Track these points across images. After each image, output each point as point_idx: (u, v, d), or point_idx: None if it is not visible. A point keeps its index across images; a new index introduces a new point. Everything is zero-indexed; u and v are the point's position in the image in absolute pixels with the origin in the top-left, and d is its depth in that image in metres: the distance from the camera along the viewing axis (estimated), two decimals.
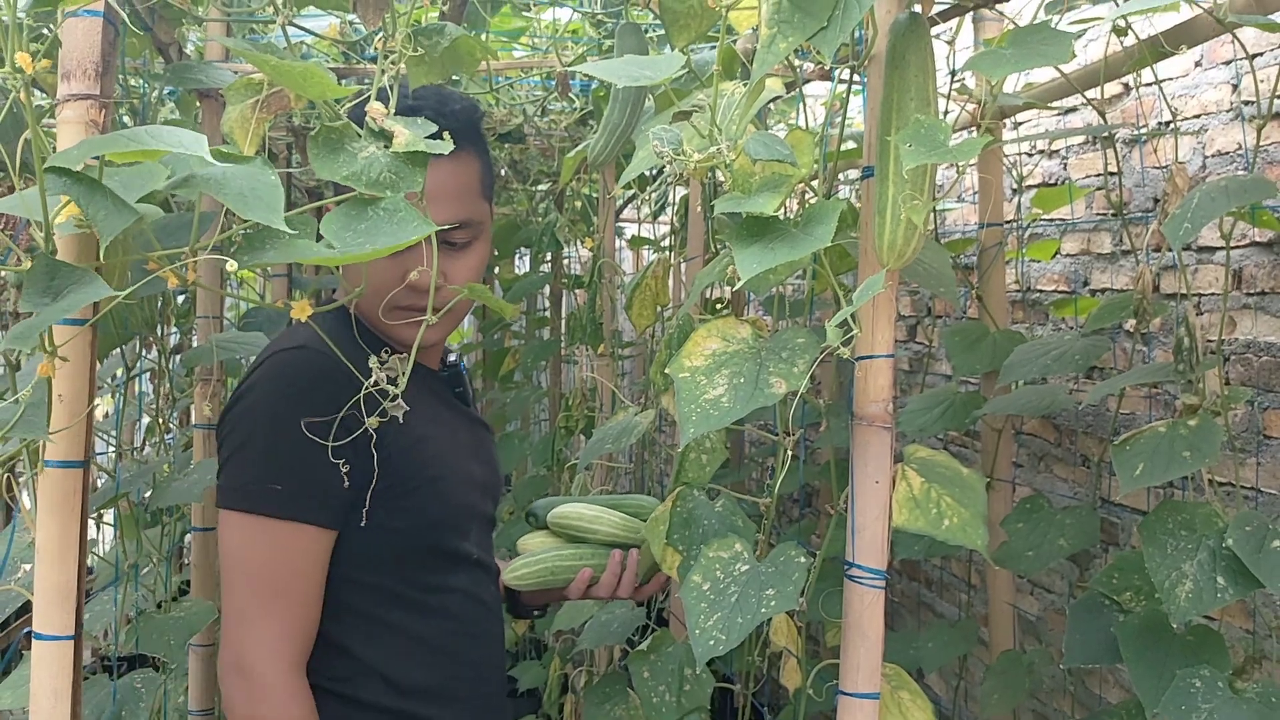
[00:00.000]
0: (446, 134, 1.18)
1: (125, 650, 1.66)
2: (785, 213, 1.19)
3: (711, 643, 1.23)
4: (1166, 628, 1.47)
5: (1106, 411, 2.19)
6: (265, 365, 1.34)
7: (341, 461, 1.25)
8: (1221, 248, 1.92)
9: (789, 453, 1.42)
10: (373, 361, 1.21)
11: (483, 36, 1.93)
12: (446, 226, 1.35)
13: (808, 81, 2.10)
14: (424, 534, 1.40)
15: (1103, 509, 2.23)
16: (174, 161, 1.08)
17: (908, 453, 1.31)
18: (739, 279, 1.12)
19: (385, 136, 1.15)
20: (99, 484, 1.82)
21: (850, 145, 2.01)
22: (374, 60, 1.80)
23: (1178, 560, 1.42)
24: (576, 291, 3.44)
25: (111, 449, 1.93)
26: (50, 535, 1.11)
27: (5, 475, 1.06)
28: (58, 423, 1.09)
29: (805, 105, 1.72)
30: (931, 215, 2.28)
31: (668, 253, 2.45)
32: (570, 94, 2.21)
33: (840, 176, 2.57)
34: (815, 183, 1.24)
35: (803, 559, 1.28)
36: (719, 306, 2.81)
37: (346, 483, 1.28)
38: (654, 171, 2.98)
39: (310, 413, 1.26)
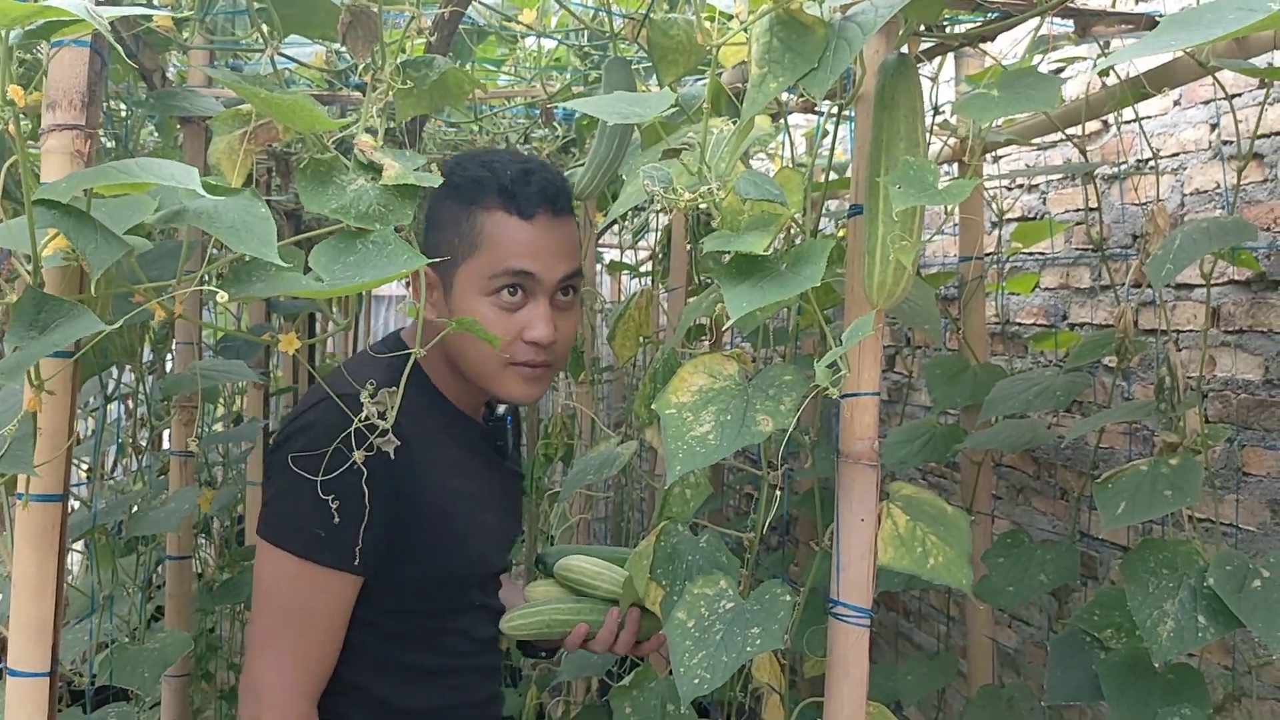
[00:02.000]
0: (556, 195, 1.38)
1: (99, 680, 1.63)
2: (773, 247, 1.19)
3: (696, 681, 1.22)
4: (1148, 666, 1.47)
5: (1086, 445, 2.20)
6: (325, 408, 1.32)
7: (380, 515, 1.30)
8: (1200, 285, 1.93)
9: (772, 487, 1.42)
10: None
11: (468, 66, 1.93)
12: (567, 274, 1.42)
13: (791, 113, 2.11)
14: (437, 585, 1.44)
15: (1082, 543, 2.23)
16: (162, 193, 1.08)
17: (893, 490, 1.31)
18: (728, 317, 1.11)
19: (374, 169, 1.15)
20: (72, 511, 1.79)
21: (834, 176, 2.02)
22: (359, 88, 1.79)
23: (1159, 599, 1.42)
24: None
25: (86, 475, 1.91)
26: (27, 570, 1.10)
27: None
28: (40, 456, 1.07)
29: (790, 136, 1.73)
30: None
31: (651, 283, 2.44)
32: (554, 122, 2.22)
33: (824, 211, 2.58)
34: (802, 219, 1.23)
35: (788, 597, 1.28)
36: (701, 335, 2.81)
37: (383, 535, 1.33)
38: (646, 210, 2.99)
39: (360, 473, 1.25)
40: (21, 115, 0.89)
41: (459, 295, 1.39)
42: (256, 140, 1.15)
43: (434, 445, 1.41)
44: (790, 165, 1.49)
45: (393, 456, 1.24)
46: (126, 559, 1.83)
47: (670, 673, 1.30)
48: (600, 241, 4.09)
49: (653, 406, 1.27)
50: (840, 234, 2.03)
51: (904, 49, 1.25)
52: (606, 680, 2.53)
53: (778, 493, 1.41)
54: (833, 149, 1.39)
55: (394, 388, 1.21)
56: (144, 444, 1.81)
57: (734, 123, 1.23)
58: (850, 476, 1.25)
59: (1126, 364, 1.57)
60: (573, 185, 1.51)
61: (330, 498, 1.24)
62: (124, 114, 1.64)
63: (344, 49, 1.33)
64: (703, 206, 1.16)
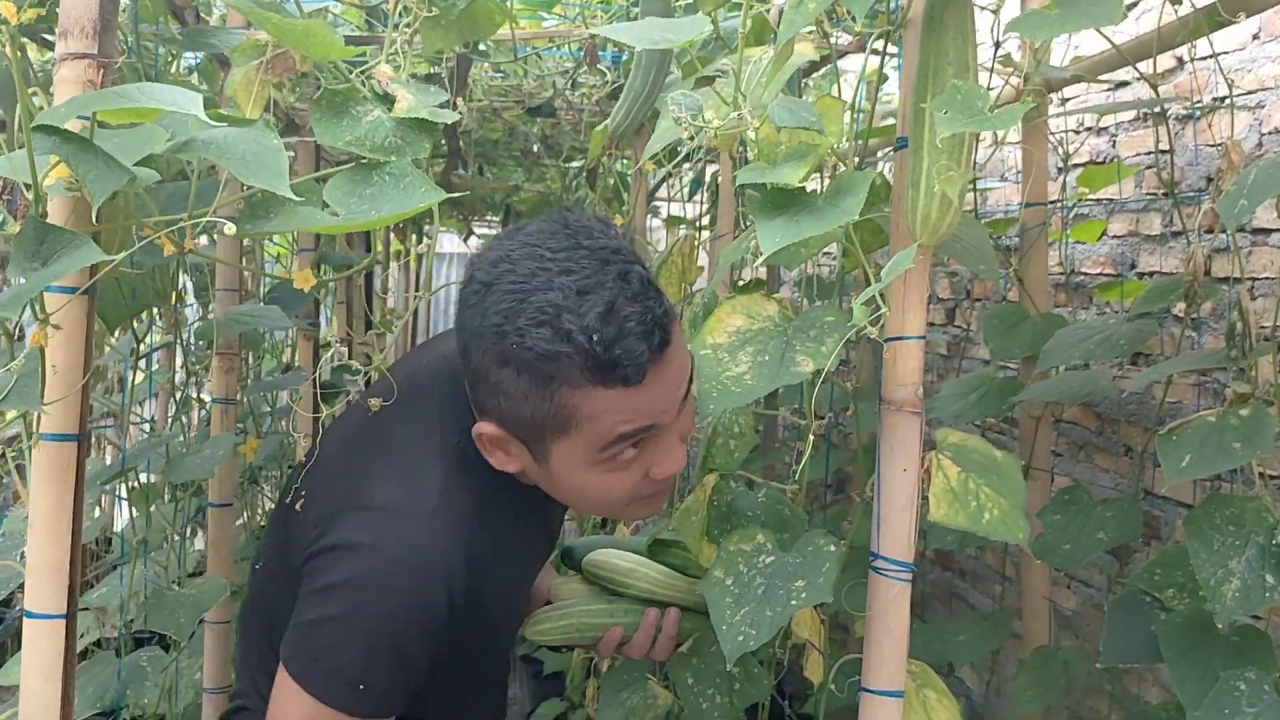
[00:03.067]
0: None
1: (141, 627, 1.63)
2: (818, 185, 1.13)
3: (740, 638, 1.18)
4: (1210, 627, 1.40)
5: (1151, 400, 2.10)
6: (381, 524, 1.14)
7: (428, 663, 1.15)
8: (1277, 229, 1.83)
9: (817, 437, 1.36)
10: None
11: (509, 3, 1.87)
12: (684, 397, 1.17)
13: (844, 55, 2.02)
14: (465, 666, 1.26)
15: (1145, 501, 2.15)
16: (175, 125, 1.04)
17: (940, 438, 1.24)
18: (761, 251, 1.06)
19: (391, 101, 1.11)
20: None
21: (891, 122, 1.94)
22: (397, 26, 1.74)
23: (1225, 557, 1.35)
24: None
25: (124, 423, 1.90)
26: (43, 510, 1.08)
27: (4, 450, 1.02)
28: (52, 394, 1.05)
29: (840, 80, 1.65)
30: (971, 195, 2.20)
31: (696, 229, 2.38)
32: (599, 65, 2.15)
33: (880, 155, 2.49)
34: (842, 151, 1.17)
35: (832, 548, 1.22)
36: (751, 286, 2.75)
37: (424, 677, 1.17)
38: (687, 148, 2.91)
39: (422, 614, 1.12)
40: (20, 36, 0.85)
41: (559, 467, 1.14)
42: (273, 71, 1.11)
43: (503, 549, 1.22)
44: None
45: (458, 590, 1.13)
46: (167, 507, 1.83)
47: None
48: (658, 195, 4.03)
49: (688, 348, 1.22)
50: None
51: None
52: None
53: (823, 442, 1.35)
54: (877, 89, 1.31)
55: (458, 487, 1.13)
56: (182, 391, 1.80)
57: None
58: (893, 424, 1.19)
59: (1195, 311, 1.48)
60: (609, 122, 1.45)
61: (379, 652, 1.10)
62: (155, 56, 1.62)
63: None
64: (740, 137, 1.10)
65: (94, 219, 0.94)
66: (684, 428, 1.20)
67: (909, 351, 1.18)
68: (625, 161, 3.02)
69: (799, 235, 1.04)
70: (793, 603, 1.17)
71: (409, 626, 1.11)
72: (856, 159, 1.23)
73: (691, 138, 1.15)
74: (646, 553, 1.47)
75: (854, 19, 1.03)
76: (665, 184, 3.93)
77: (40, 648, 1.08)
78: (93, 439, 2.43)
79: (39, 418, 1.03)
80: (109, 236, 1.10)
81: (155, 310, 1.74)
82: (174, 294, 1.57)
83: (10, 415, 0.99)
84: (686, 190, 3.60)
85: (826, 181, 1.27)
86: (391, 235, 5.57)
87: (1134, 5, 1.84)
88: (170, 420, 1.83)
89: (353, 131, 1.07)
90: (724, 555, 1.27)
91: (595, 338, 1.03)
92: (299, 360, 3.00)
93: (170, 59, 1.75)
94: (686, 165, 3.27)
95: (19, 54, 0.86)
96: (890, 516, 1.19)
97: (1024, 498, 1.18)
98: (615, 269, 1.07)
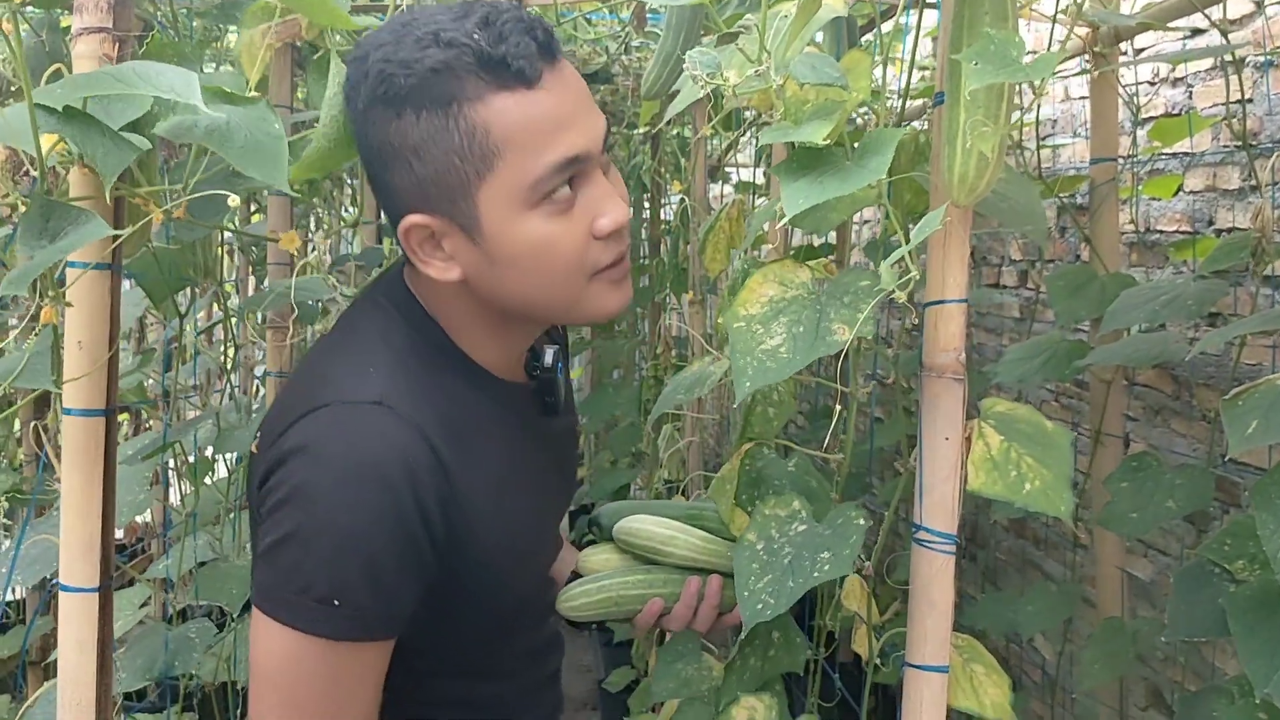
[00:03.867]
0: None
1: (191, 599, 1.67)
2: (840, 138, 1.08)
3: (760, 606, 1.15)
4: None
5: (1230, 363, 2.01)
6: (326, 422, 1.01)
7: (413, 566, 1.03)
8: None
9: (859, 406, 1.32)
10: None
11: None
12: (606, 128, 1.08)
13: (888, 12, 1.95)
14: (484, 624, 1.18)
15: (1224, 468, 2.06)
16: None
17: (985, 407, 1.19)
18: (785, 213, 1.02)
19: None
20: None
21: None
22: None
23: None
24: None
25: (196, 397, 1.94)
26: (74, 486, 1.09)
27: (34, 426, 1.03)
28: (78, 370, 1.06)
29: (881, 34, 1.59)
30: (1037, 154, 2.12)
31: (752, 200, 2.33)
32: (647, 29, 2.12)
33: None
34: (873, 107, 1.12)
35: (861, 521, 1.19)
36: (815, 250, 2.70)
37: (419, 590, 1.05)
38: (751, 114, 2.86)
39: (385, 507, 0.99)
40: (21, 11, 0.85)
41: (493, 228, 1.02)
42: (279, 35, 1.10)
43: (477, 451, 1.09)
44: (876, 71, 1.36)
45: (427, 484, 1.01)
46: (222, 481, 1.85)
47: None
48: (730, 161, 3.98)
49: (719, 320, 1.19)
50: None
51: None
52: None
53: (847, 412, 1.30)
54: (918, 38, 1.26)
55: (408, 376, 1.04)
56: (232, 364, 1.82)
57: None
58: (934, 391, 1.15)
59: (1264, 269, 1.40)
60: (643, 83, 1.41)
61: (345, 560, 0.98)
62: (189, 29, 1.61)
63: None
64: (764, 94, 1.06)
65: (106, 197, 0.94)
66: (621, 191, 1.10)
67: (950, 315, 1.13)
68: (685, 128, 2.98)
69: (824, 196, 1.00)
70: (815, 575, 1.14)
71: (373, 531, 0.99)
72: (894, 117, 1.18)
73: (735, 98, 1.11)
74: (684, 518, 1.40)
75: None
76: (733, 150, 3.88)
77: (75, 621, 1.10)
78: (142, 415, 2.47)
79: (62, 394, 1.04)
80: (134, 210, 1.10)
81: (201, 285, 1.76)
82: (220, 268, 1.57)
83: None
84: (755, 156, 3.54)
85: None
86: None
87: None
88: (222, 395, 1.84)
89: None
90: (759, 519, 1.24)
91: (478, 37, 0.98)
92: None
93: (205, 30, 1.75)
94: (754, 131, 3.21)
95: (19, 29, 0.85)
96: (932, 487, 1.15)
97: (1070, 471, 1.13)
98: (484, 4, 1.02)
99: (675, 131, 3.06)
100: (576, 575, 1.39)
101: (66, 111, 0.87)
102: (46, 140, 0.90)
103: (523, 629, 1.25)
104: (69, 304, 0.99)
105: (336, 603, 0.98)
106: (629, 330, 4.16)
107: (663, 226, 3.85)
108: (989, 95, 1.01)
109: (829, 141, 1.01)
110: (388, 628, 1.04)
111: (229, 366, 1.84)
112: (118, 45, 1.08)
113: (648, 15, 2.05)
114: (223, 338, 1.85)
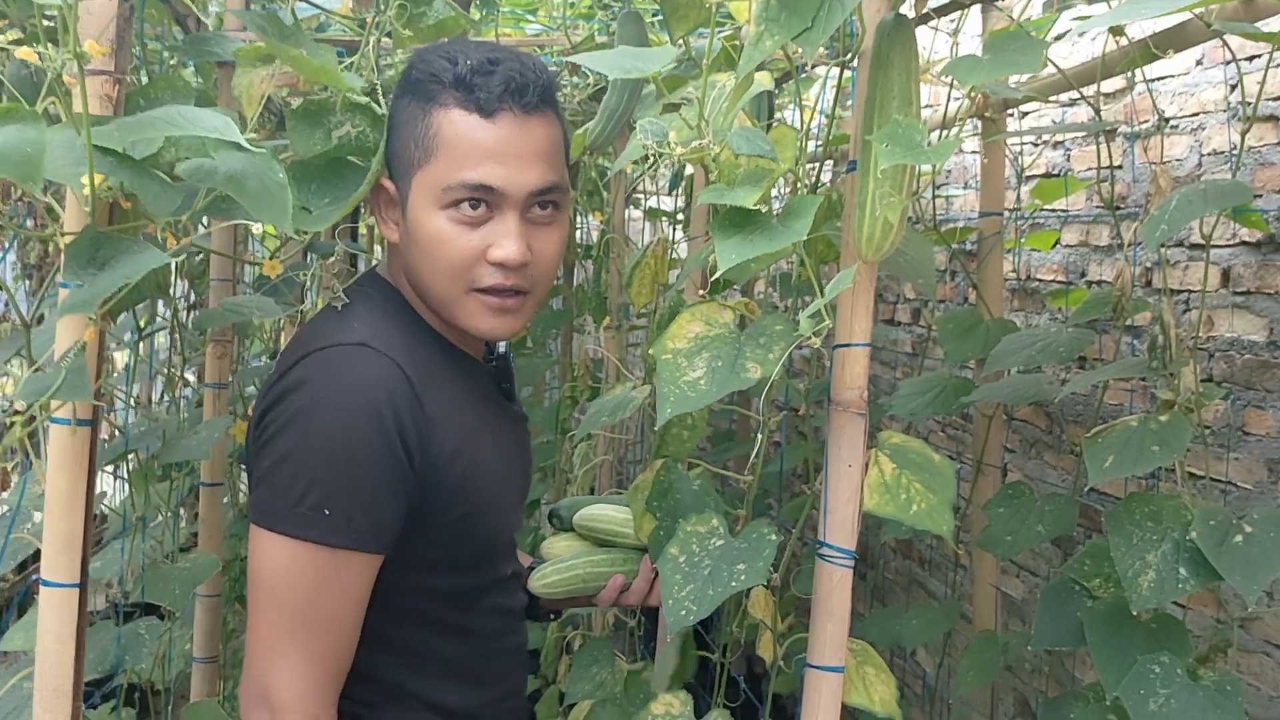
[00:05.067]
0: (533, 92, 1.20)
1: (136, 599, 1.73)
2: (773, 201, 1.23)
3: (683, 613, 1.28)
4: (1131, 615, 1.51)
5: (1095, 403, 2.22)
6: (318, 361, 1.17)
7: (397, 481, 1.17)
8: (1214, 245, 1.95)
9: (769, 433, 1.47)
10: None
11: (493, 14, 1.97)
12: (541, 187, 1.23)
13: (814, 66, 2.13)
14: (462, 561, 1.31)
15: (1090, 497, 2.27)
16: (188, 138, 1.13)
17: (882, 438, 1.35)
18: (719, 267, 1.16)
19: (363, 111, 1.21)
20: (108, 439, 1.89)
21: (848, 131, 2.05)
22: (389, 35, 1.84)
23: (1142, 550, 1.46)
24: (587, 262, 3.49)
25: (126, 405, 2.00)
26: (59, 488, 1.18)
27: (24, 432, 1.11)
28: None
29: (800, 95, 1.76)
30: (932, 203, 2.32)
31: (669, 230, 2.48)
32: (581, 70, 2.25)
33: (832, 164, 2.60)
34: (797, 175, 1.27)
35: (773, 536, 1.33)
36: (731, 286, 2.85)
37: (402, 508, 1.19)
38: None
39: (370, 426, 1.14)
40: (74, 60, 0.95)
41: (414, 209, 1.22)
42: (278, 82, 1.21)
43: (446, 396, 1.25)
44: (790, 123, 1.52)
45: (405, 409, 1.16)
46: (163, 484, 1.93)
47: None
48: (639, 188, 4.13)
49: (650, 351, 1.33)
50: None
51: (904, 8, 1.28)
52: (621, 615, 2.62)
53: (766, 440, 1.45)
54: (835, 106, 1.42)
55: (385, 331, 1.18)
56: (178, 376, 1.90)
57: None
58: (840, 423, 1.30)
59: (1123, 322, 1.59)
60: (589, 135, 1.55)
61: (334, 472, 1.12)
62: (161, 58, 1.70)
63: None
64: (699, 160, 1.20)
65: (155, 231, 1.04)
66: (543, 247, 1.26)
67: (855, 357, 1.29)
68: (605, 159, 3.12)
69: (754, 253, 1.15)
70: (733, 584, 1.28)
71: (359, 448, 1.13)
72: (808, 180, 1.33)
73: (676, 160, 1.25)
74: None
75: (806, 55, 1.13)
76: (644, 177, 4.03)
77: (55, 613, 1.18)
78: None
79: (74, 407, 1.13)
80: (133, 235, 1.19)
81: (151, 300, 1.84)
82: (173, 284, 1.66)
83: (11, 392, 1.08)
84: (666, 184, 3.70)
85: (786, 194, 1.38)
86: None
87: (1074, 33, 1.95)
88: (165, 402, 1.92)
89: (324, 143, 1.18)
90: (681, 535, 1.38)
91: (468, 63, 1.20)
92: (285, 343, 3.09)
93: (174, 62, 1.84)
94: (664, 159, 3.36)
95: (84, 86, 0.95)
96: (835, 508, 1.30)
97: (953, 496, 1.29)
98: (517, 53, 1.26)
99: (598, 160, 3.20)
100: (540, 562, 1.56)
101: (121, 156, 0.96)
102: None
103: (492, 586, 1.37)
104: (103, 326, 1.08)
105: (327, 511, 1.12)
106: (535, 350, 4.28)
107: (577, 250, 3.98)
108: (895, 171, 1.18)
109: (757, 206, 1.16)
110: (374, 540, 1.17)
111: (175, 376, 1.92)
112: (118, 86, 1.17)
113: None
114: (169, 350, 1.93)
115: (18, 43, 1.15)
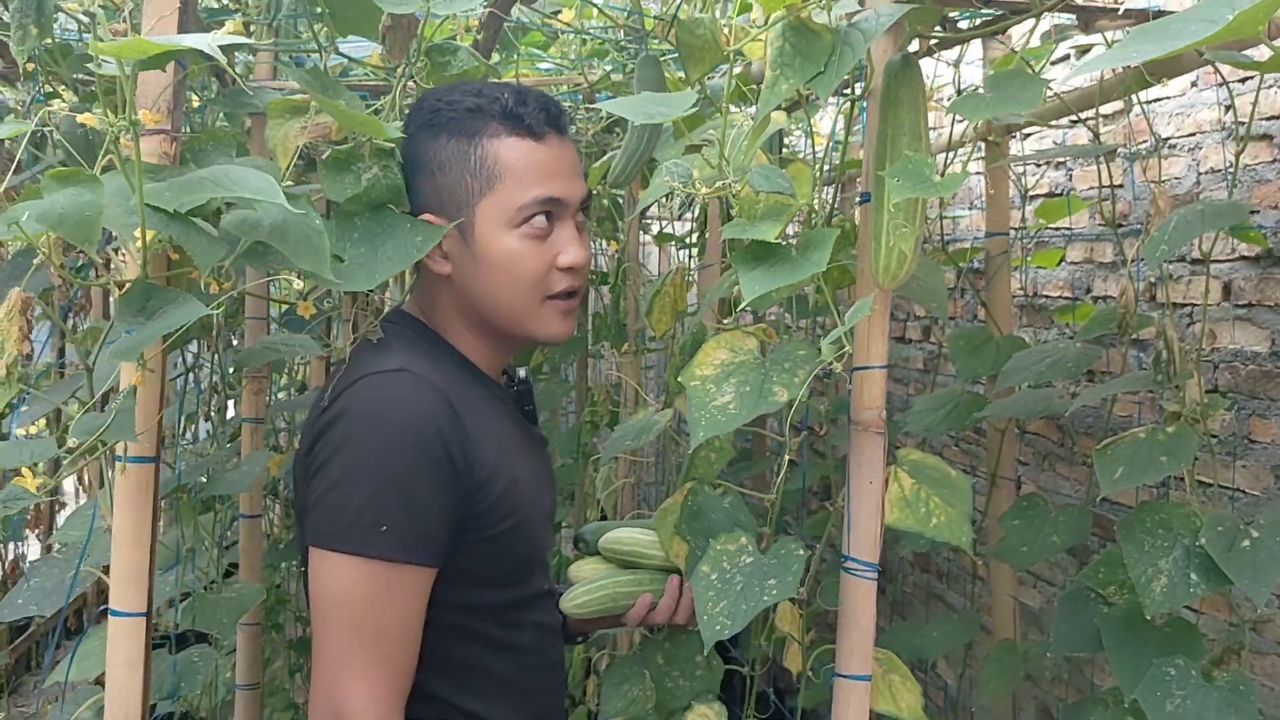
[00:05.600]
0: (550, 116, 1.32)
1: (180, 627, 1.80)
2: (785, 234, 1.30)
3: (718, 627, 1.34)
4: (1145, 620, 1.56)
5: (1105, 415, 2.29)
6: (360, 389, 1.24)
7: (445, 496, 1.24)
8: (1215, 260, 2.01)
9: (792, 453, 1.54)
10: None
11: (513, 57, 2.05)
12: (585, 195, 1.38)
13: (818, 108, 2.20)
14: (507, 575, 1.37)
15: (1103, 507, 2.33)
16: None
17: (900, 455, 1.42)
18: (744, 298, 1.23)
19: (387, 156, 1.29)
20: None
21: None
22: (413, 79, 1.93)
23: (1154, 557, 1.52)
24: (603, 288, 3.56)
25: (176, 442, 2.07)
26: (125, 523, 1.25)
27: (84, 469, 1.18)
28: (138, 425, 1.22)
29: (812, 130, 1.83)
30: (939, 223, 2.39)
31: (687, 261, 2.55)
32: (595, 104, 2.33)
33: (846, 187, 2.67)
34: (815, 208, 1.35)
35: (801, 552, 1.40)
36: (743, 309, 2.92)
37: (451, 522, 1.25)
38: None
39: (415, 445, 1.21)
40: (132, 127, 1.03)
41: (483, 235, 1.31)
42: (311, 134, 1.29)
43: (483, 418, 1.32)
44: (807, 158, 1.60)
45: (446, 426, 1.22)
46: (205, 517, 2.00)
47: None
48: (648, 213, 4.21)
49: (679, 379, 1.40)
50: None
51: (911, 48, 1.36)
52: (647, 634, 2.67)
53: (814, 455, 1.52)
54: (846, 140, 1.49)
55: (421, 358, 1.24)
56: (218, 412, 1.98)
57: (753, 114, 1.34)
58: (860, 443, 1.36)
59: (1129, 337, 1.66)
60: (609, 171, 1.62)
61: (386, 489, 1.18)
62: (200, 112, 1.79)
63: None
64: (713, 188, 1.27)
65: (201, 284, 1.11)
66: (589, 249, 1.40)
67: (873, 379, 1.35)
68: (618, 190, 3.19)
69: (776, 284, 1.22)
70: (765, 598, 1.34)
71: (407, 465, 1.20)
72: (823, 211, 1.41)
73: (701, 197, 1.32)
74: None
75: (820, 98, 1.20)
76: (655, 203, 4.10)
77: (124, 642, 1.25)
78: None
79: (125, 446, 1.20)
80: (177, 283, 1.27)
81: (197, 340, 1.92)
82: (216, 326, 1.74)
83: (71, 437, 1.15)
84: (678, 211, 3.77)
85: (801, 227, 1.45)
86: None
87: (1083, 70, 2.02)
88: (209, 439, 2.00)
89: (354, 188, 1.25)
90: (711, 554, 1.44)
91: (507, 96, 1.32)
92: (311, 378, 3.17)
93: (213, 116, 1.92)
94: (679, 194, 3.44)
95: (139, 150, 1.02)
96: (858, 523, 1.36)
97: (970, 509, 1.35)
98: (527, 86, 1.38)
99: (611, 190, 3.27)
100: (568, 585, 1.62)
101: (172, 214, 1.04)
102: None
103: (533, 601, 1.43)
104: (152, 370, 1.15)
105: (383, 528, 1.19)
106: (551, 375, 4.35)
107: (591, 277, 4.05)
108: (908, 204, 1.25)
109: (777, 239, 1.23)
110: (427, 552, 1.23)
111: (219, 411, 1.99)
112: (175, 144, 1.25)
113: (595, 94, 2.26)
114: (209, 386, 2.00)
115: (75, 108, 1.22)
